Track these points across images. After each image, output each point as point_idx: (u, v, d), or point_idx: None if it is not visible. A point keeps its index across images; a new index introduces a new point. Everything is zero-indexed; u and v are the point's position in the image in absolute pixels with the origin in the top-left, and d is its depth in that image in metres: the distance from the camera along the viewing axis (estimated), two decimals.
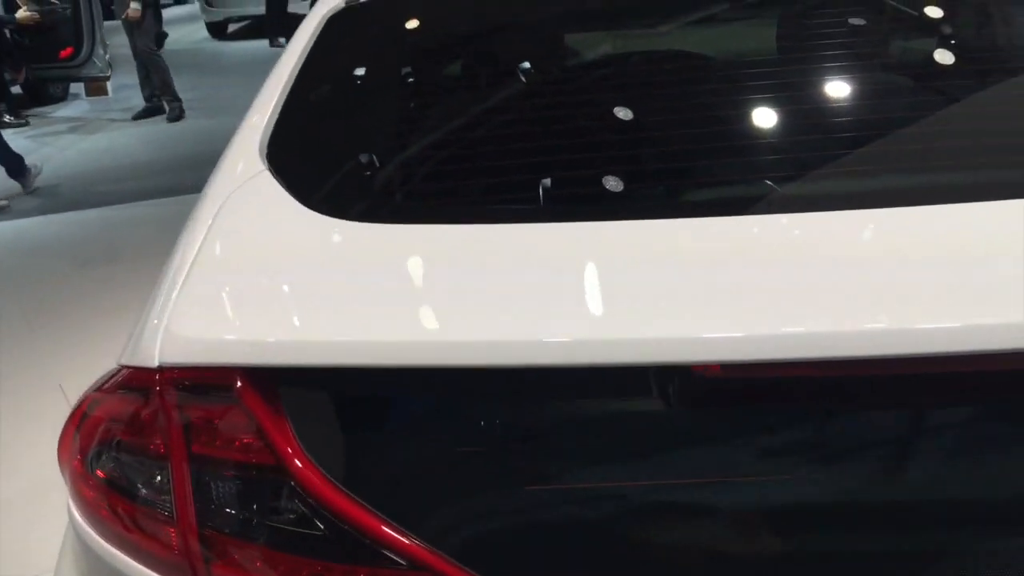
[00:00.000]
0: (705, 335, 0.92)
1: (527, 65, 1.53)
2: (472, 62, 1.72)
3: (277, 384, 1.02)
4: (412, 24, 1.84)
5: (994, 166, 1.24)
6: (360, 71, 1.68)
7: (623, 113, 1.36)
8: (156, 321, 1.09)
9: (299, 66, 1.64)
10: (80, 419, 1.20)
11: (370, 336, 1.00)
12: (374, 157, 1.36)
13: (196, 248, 1.19)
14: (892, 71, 1.58)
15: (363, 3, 1.86)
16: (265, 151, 1.39)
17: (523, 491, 1.04)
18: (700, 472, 1.02)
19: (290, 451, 1.01)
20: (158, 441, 1.07)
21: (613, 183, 1.19)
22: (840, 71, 1.49)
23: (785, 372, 0.93)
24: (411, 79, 1.65)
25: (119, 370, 1.18)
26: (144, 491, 1.09)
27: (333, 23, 1.79)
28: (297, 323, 1.04)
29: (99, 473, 1.14)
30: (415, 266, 1.12)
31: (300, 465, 1.00)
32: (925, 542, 1.01)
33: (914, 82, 1.53)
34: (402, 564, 0.99)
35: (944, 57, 1.49)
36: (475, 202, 1.25)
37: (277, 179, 1.31)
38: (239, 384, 1.02)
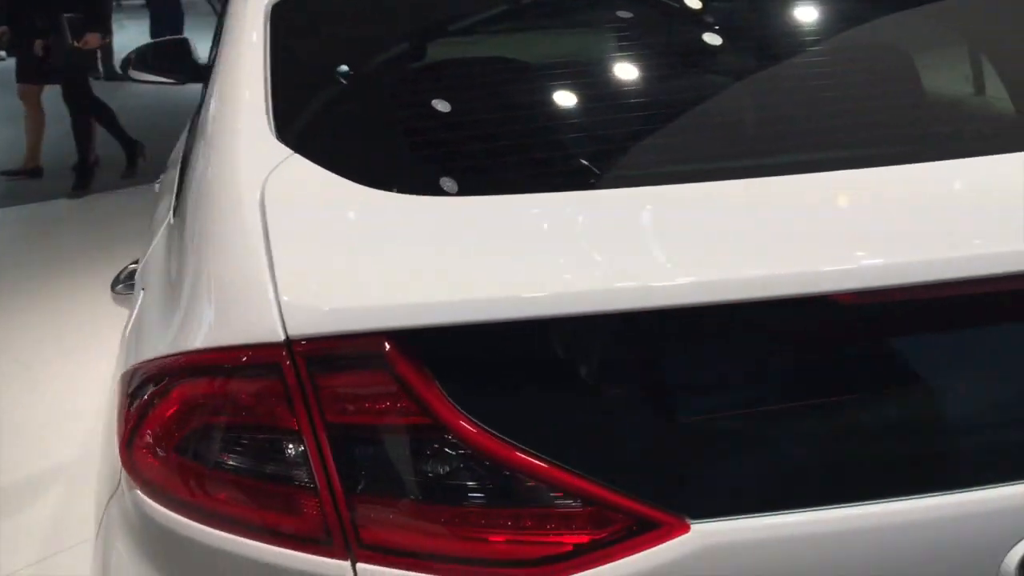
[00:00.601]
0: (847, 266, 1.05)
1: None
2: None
3: (418, 345, 1.05)
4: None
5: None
6: (347, 53, 1.67)
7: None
8: (259, 296, 1.07)
9: (269, 54, 1.61)
10: (147, 409, 1.15)
11: (510, 291, 1.04)
12: (408, 135, 1.38)
13: (260, 228, 1.16)
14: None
15: None
16: (278, 137, 1.37)
17: (669, 417, 1.12)
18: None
19: (444, 408, 1.04)
20: (289, 415, 1.05)
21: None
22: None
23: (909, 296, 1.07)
24: (403, 57, 1.67)
25: (188, 353, 1.14)
26: (273, 468, 1.07)
27: (281, 10, 1.76)
28: (429, 286, 1.06)
29: (203, 459, 1.11)
30: (517, 228, 1.17)
31: (458, 419, 1.04)
32: None
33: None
34: (573, 502, 1.04)
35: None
36: (548, 173, 1.31)
37: (314, 162, 1.29)
38: (387, 348, 1.03)
